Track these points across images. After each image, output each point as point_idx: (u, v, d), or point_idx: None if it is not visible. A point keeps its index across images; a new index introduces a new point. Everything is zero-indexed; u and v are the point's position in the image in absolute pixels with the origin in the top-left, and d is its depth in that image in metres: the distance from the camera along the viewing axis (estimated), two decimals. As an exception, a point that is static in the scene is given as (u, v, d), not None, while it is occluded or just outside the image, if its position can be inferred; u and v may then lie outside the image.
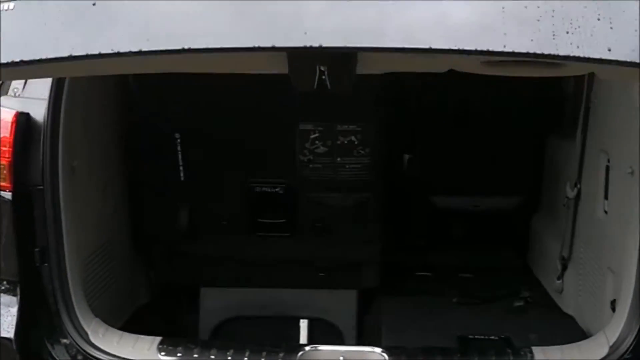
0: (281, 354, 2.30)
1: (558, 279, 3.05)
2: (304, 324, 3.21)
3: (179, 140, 2.93)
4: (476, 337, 2.66)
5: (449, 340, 2.60)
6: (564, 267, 3.00)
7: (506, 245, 3.64)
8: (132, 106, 2.95)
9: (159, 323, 2.99)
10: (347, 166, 2.89)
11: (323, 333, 3.16)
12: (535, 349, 2.33)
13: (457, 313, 2.96)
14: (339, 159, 2.91)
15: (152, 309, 3.13)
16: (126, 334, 2.43)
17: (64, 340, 2.32)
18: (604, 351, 2.21)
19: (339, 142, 2.91)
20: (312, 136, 2.90)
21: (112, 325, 2.48)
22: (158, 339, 2.39)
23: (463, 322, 2.83)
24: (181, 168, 2.93)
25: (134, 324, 2.77)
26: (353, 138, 2.90)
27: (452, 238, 3.72)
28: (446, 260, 3.53)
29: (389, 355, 2.32)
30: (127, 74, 2.78)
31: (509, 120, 3.44)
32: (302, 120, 2.90)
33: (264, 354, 2.30)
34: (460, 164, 3.49)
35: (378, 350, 2.38)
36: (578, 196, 2.87)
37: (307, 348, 2.38)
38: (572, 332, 2.66)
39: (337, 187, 2.94)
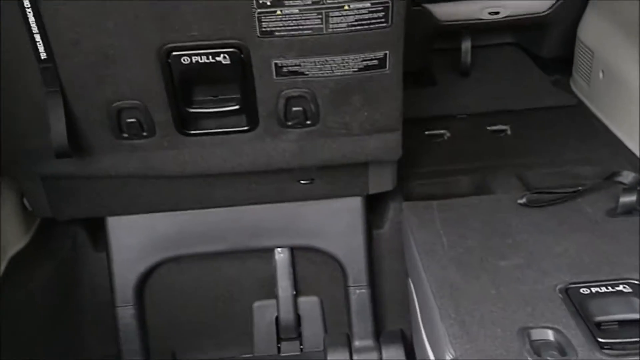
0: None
1: None
2: (282, 257, 2.02)
3: None
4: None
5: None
6: None
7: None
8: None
9: (46, 288, 1.85)
10: (347, 6, 1.57)
11: (316, 273, 2.02)
12: None
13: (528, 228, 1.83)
14: None
15: (29, 259, 1.90)
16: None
17: None
18: None
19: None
20: None
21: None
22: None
23: (550, 249, 1.74)
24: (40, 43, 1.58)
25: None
26: None
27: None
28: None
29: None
30: None
31: None
32: None
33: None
34: None
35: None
36: None
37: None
38: None
39: (327, 46, 1.62)
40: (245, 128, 1.78)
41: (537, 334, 1.52)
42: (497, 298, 1.62)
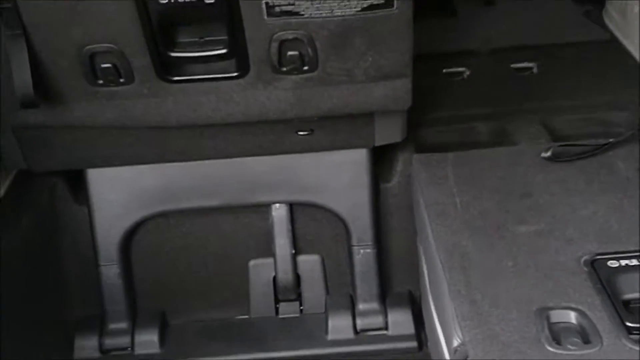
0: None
1: None
2: (280, 213, 1.85)
3: None
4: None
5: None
6: None
7: None
8: None
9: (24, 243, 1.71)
10: None
11: (317, 230, 1.87)
12: None
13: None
14: None
15: (4, 211, 1.75)
16: None
17: None
18: None
19: None
20: None
21: None
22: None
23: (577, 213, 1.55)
24: None
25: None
26: None
27: None
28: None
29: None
30: None
31: None
32: None
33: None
34: None
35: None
36: None
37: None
38: None
39: None
40: (235, 74, 1.58)
41: (557, 316, 1.35)
42: (514, 271, 1.44)
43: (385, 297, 1.92)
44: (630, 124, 1.94)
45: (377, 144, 1.80)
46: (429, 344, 1.77)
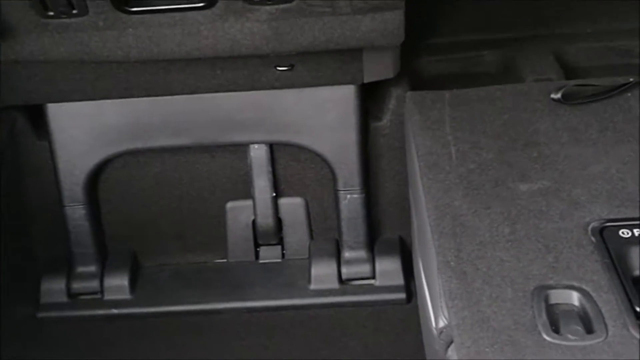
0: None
1: None
2: (258, 153, 1.69)
3: None
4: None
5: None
6: None
7: None
8: None
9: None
10: None
11: (301, 171, 1.71)
12: None
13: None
14: None
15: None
16: None
17: None
18: None
19: None
20: None
21: None
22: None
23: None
24: None
25: None
26: None
27: None
28: None
29: None
30: None
31: None
32: None
33: None
34: None
35: None
36: None
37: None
38: None
39: None
40: (201, 4, 1.38)
41: (557, 296, 1.20)
42: (511, 240, 1.28)
43: (374, 244, 1.77)
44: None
45: (366, 80, 1.60)
46: (417, 301, 1.64)
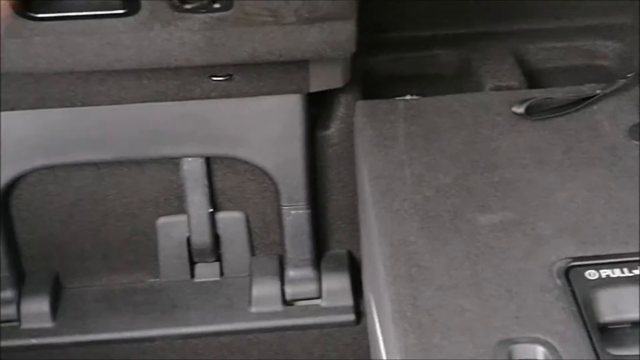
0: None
1: None
2: (193, 166, 1.53)
3: None
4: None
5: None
6: None
7: None
8: None
9: None
10: None
11: (240, 184, 1.57)
12: None
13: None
14: None
15: None
16: None
17: None
18: None
19: None
20: None
21: None
22: None
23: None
24: None
25: None
26: None
27: None
28: None
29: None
30: None
31: None
32: None
33: None
34: None
35: None
36: None
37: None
38: None
39: None
40: (122, 11, 1.20)
41: (520, 352, 1.09)
42: (472, 284, 1.17)
43: (320, 260, 1.64)
44: (621, 55, 1.62)
45: (312, 90, 1.45)
46: (367, 322, 1.53)
